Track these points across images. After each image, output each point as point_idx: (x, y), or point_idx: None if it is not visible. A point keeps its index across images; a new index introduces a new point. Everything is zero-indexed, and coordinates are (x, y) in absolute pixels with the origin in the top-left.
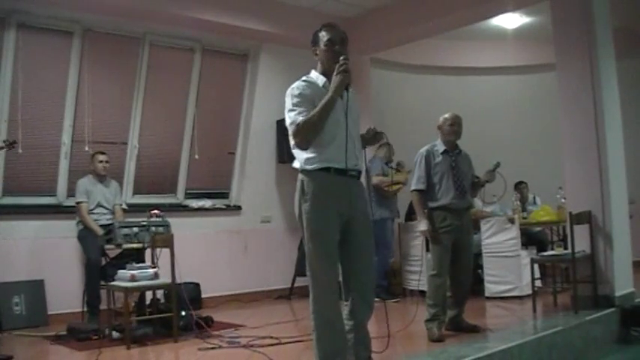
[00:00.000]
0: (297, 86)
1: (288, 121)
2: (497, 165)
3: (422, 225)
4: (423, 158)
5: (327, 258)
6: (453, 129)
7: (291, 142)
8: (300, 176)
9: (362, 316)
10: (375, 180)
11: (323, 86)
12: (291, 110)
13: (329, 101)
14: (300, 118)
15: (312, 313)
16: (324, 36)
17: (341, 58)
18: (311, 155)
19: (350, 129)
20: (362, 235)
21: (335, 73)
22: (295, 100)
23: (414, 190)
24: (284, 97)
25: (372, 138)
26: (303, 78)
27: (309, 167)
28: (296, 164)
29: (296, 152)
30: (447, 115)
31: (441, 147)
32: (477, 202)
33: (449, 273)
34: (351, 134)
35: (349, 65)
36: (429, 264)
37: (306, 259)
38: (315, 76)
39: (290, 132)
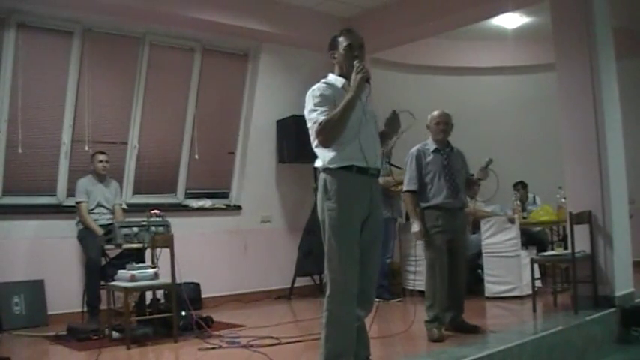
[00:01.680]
0: (317, 87)
1: (310, 122)
2: (490, 162)
3: (414, 227)
4: (413, 158)
5: (348, 257)
6: (439, 128)
7: (314, 141)
8: (323, 175)
9: (362, 312)
10: (381, 181)
11: (342, 87)
12: (312, 110)
13: (350, 100)
14: (322, 118)
15: (325, 310)
16: (343, 41)
17: (355, 62)
18: (334, 154)
19: (370, 128)
20: (374, 233)
21: (354, 73)
22: (317, 100)
23: (406, 192)
24: (284, 97)
25: (391, 124)
26: (323, 80)
27: (332, 166)
28: (318, 163)
29: (318, 151)
30: (434, 114)
31: (432, 146)
32: (471, 203)
33: (445, 273)
34: (371, 133)
35: (366, 67)
36: (425, 264)
37: (325, 257)
38: (334, 78)
39: (313, 131)
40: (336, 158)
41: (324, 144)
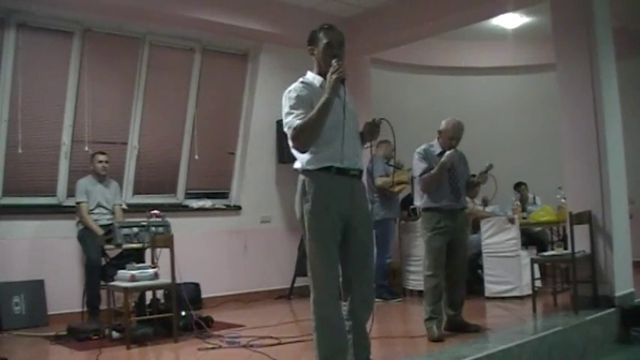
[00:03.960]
0: (294, 88)
1: (285, 126)
2: (490, 167)
3: (446, 157)
4: (422, 156)
5: (328, 259)
6: (452, 143)
7: (290, 144)
8: (301, 177)
9: (361, 316)
10: (380, 181)
11: (320, 86)
12: (288, 113)
13: (325, 102)
14: (297, 122)
15: (312, 313)
16: (322, 38)
17: (333, 61)
18: (311, 155)
19: (349, 128)
20: (362, 235)
21: (329, 74)
22: (292, 102)
23: (420, 177)
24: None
25: (370, 131)
26: (300, 79)
27: (310, 167)
28: (297, 165)
29: (296, 153)
30: (451, 126)
31: (437, 149)
32: (470, 204)
33: (444, 273)
34: (350, 133)
35: (344, 66)
36: (424, 264)
37: (307, 259)
38: (312, 76)
39: (288, 135)
40: (314, 159)
41: (300, 149)
